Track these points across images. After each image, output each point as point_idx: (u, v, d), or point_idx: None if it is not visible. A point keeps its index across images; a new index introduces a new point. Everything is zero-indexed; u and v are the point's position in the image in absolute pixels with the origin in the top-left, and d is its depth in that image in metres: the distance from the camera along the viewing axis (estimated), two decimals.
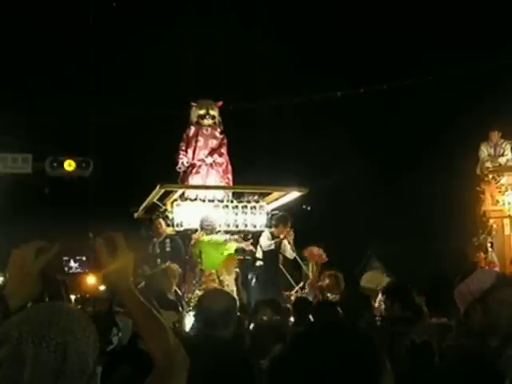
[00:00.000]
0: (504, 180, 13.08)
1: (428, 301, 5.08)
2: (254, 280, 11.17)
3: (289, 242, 11.30)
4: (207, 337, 3.82)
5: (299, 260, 11.46)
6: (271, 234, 11.34)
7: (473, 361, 2.77)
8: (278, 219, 11.40)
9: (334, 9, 17.81)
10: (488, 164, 13.32)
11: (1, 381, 1.63)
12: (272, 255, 11.26)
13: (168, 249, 11.00)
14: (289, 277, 11.27)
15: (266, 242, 11.26)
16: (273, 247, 11.20)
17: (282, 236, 11.18)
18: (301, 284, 11.02)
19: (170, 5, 17.71)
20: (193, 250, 10.43)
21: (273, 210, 12.02)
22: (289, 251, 11.31)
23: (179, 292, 9.31)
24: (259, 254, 11.30)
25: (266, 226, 11.66)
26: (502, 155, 13.54)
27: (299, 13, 17.74)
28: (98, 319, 4.35)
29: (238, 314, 6.48)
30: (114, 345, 4.23)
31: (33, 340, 1.65)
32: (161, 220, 11.31)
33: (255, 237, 11.72)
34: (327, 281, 9.37)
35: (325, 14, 17.75)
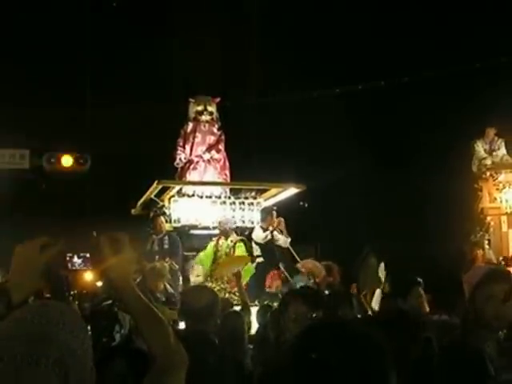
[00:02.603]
0: (502, 177, 13.10)
1: (433, 298, 5.09)
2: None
3: (281, 231, 11.45)
4: (190, 331, 3.87)
5: (292, 251, 11.51)
6: (261, 227, 11.47)
7: (463, 357, 2.79)
8: (265, 212, 11.53)
9: (332, 6, 17.79)
10: (487, 161, 13.32)
11: None
12: (268, 251, 11.32)
13: (166, 246, 11.00)
14: (286, 274, 11.29)
15: (260, 234, 11.36)
16: (269, 237, 11.33)
17: (274, 226, 11.32)
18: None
19: (169, 3, 17.70)
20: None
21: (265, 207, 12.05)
22: (282, 239, 11.44)
23: (170, 289, 9.24)
24: (257, 252, 11.35)
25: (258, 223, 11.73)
26: (498, 150, 13.54)
27: (298, 9, 17.72)
28: (99, 316, 4.35)
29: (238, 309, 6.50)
30: (117, 342, 4.23)
31: (29, 362, 1.52)
32: (161, 217, 11.32)
33: (252, 233, 11.76)
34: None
35: (323, 11, 17.74)
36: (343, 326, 1.64)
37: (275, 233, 11.42)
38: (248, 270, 10.45)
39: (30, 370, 1.51)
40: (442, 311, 4.56)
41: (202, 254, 10.80)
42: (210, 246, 10.81)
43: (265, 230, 11.45)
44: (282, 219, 11.61)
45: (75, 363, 1.58)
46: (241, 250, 10.74)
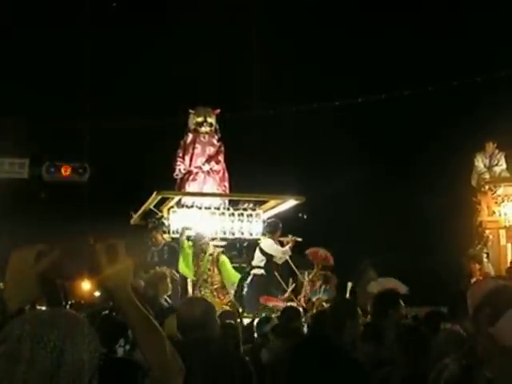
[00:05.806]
0: (500, 191, 13.11)
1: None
2: (245, 288, 11.17)
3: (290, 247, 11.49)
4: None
5: (294, 267, 11.51)
6: (279, 241, 11.45)
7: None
8: (274, 226, 11.48)
9: (333, 18, 17.87)
10: (486, 175, 13.33)
11: None
12: (271, 262, 11.34)
13: (166, 256, 10.98)
14: (283, 284, 11.28)
15: (278, 247, 11.32)
16: (290, 253, 11.35)
17: (291, 242, 11.33)
18: (292, 285, 11.12)
19: (169, 12, 17.76)
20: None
21: (269, 218, 12.03)
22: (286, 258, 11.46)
23: (169, 300, 9.20)
24: (258, 260, 11.33)
25: (263, 234, 11.68)
26: (497, 165, 13.57)
27: (298, 22, 17.79)
28: (103, 326, 4.30)
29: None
30: (118, 356, 4.18)
31: (31, 339, 1.69)
32: (157, 230, 11.29)
33: (251, 244, 11.74)
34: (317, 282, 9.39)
35: (323, 23, 17.81)
36: (330, 348, 1.64)
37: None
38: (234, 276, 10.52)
39: (32, 346, 1.68)
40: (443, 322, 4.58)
41: (182, 265, 10.68)
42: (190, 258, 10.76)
43: (281, 244, 11.44)
44: (299, 239, 11.62)
45: (74, 360, 1.71)
46: (226, 262, 10.71)
